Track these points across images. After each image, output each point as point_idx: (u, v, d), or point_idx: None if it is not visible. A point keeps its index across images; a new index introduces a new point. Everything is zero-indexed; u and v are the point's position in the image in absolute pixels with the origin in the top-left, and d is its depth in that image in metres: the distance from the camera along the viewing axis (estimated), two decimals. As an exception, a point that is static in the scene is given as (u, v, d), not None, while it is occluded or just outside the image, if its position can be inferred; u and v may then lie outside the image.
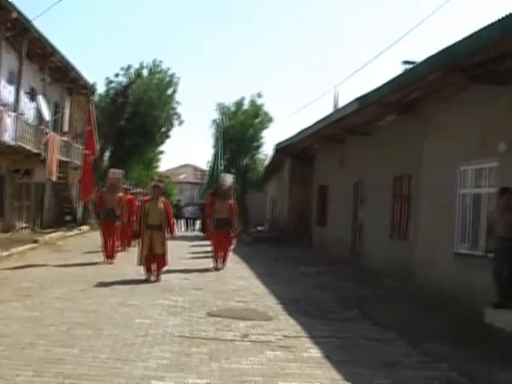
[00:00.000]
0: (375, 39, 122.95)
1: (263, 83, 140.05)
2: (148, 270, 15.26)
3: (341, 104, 26.38)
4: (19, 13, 24.08)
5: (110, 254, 18.83)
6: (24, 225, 29.71)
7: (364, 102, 16.99)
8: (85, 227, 34.03)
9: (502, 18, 9.48)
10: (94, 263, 18.17)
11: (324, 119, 22.23)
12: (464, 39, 10.81)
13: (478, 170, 13.63)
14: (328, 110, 20.73)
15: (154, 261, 15.31)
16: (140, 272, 15.50)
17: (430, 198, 15.74)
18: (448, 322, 11.63)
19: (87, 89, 36.74)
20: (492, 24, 9.82)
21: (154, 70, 50.48)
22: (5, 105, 24.15)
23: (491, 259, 11.61)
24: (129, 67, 48.07)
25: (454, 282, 13.62)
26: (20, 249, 20.38)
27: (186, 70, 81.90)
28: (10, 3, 23.17)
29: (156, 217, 15.38)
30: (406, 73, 13.95)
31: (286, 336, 9.61)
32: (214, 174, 23.09)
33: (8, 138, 23.73)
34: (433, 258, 15.09)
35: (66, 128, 36.55)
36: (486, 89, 12.65)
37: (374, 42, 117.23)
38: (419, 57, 12.24)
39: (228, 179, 20.52)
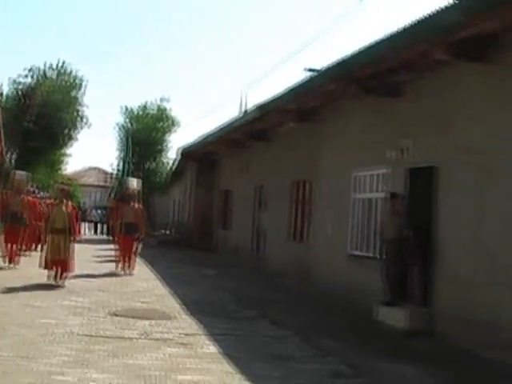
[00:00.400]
0: (282, 46, 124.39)
1: (171, 88, 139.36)
2: (51, 274, 14.90)
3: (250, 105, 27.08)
4: None
5: (13, 258, 17.96)
6: None
7: (265, 109, 17.55)
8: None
9: (390, 36, 10.12)
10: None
11: (227, 125, 22.70)
12: (357, 53, 11.44)
13: (370, 176, 14.33)
14: (236, 114, 21.06)
15: (57, 265, 14.85)
16: (45, 275, 15.07)
17: (325, 202, 16.40)
18: (341, 319, 12.30)
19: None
20: (381, 40, 10.46)
21: (60, 71, 49.83)
22: None
23: (381, 260, 12.31)
24: (32, 68, 47.33)
25: (348, 282, 14.25)
26: None
27: (94, 73, 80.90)
28: None
29: (61, 221, 14.94)
30: (304, 82, 14.51)
31: (185, 334, 9.94)
32: (120, 177, 22.34)
33: None
34: (328, 260, 15.74)
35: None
36: (378, 99, 13.35)
37: (281, 48, 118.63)
38: (324, 63, 12.78)
39: (134, 183, 20.03)
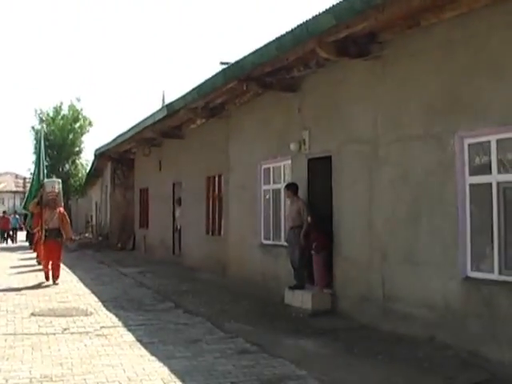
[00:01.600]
0: (197, 39, 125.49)
1: (83, 87, 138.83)
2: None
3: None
4: None
5: None
6: None
7: (172, 107, 18.71)
8: None
9: (278, 37, 11.44)
10: None
11: (138, 124, 23.70)
12: (251, 53, 12.74)
13: (276, 168, 15.64)
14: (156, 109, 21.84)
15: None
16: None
17: (237, 196, 17.66)
18: (253, 305, 13.62)
19: None
20: (271, 41, 11.78)
21: None
22: None
23: (287, 247, 13.67)
24: None
25: (262, 271, 15.57)
26: None
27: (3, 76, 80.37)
28: None
29: None
30: (207, 81, 15.66)
31: (103, 327, 11.09)
32: (37, 181, 21.43)
33: None
34: (243, 250, 17.00)
35: None
36: (278, 94, 14.66)
37: (197, 41, 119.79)
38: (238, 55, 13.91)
39: (55, 185, 19.00)
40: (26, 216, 27.04)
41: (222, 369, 8.29)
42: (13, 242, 44.60)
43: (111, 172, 34.07)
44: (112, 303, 13.69)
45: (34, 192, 20.97)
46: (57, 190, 18.71)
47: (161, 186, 26.29)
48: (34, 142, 51.43)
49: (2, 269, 19.78)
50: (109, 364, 8.48)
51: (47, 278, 17.61)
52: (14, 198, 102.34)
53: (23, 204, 23.64)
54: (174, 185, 24.61)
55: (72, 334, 10.52)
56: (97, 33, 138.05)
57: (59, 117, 52.17)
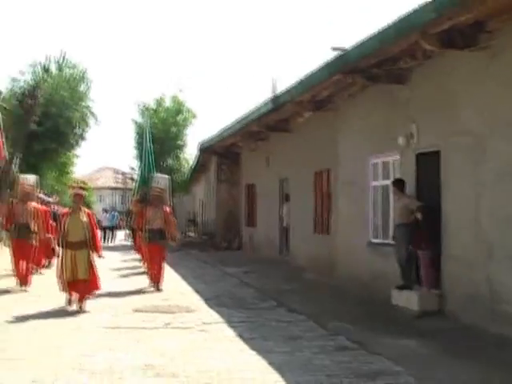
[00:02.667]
0: (307, 24, 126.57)
1: (186, 78, 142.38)
2: (70, 296, 14.13)
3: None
4: None
5: (23, 280, 17.32)
6: None
7: (278, 101, 19.86)
8: (-5, 242, 36.05)
9: (381, 30, 12.38)
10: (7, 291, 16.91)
11: (244, 118, 24.99)
12: (355, 46, 13.72)
13: (385, 163, 16.50)
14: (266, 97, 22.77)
15: (76, 287, 14.01)
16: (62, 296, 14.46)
17: (345, 192, 18.61)
18: (358, 305, 14.64)
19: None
20: (373, 34, 12.73)
21: (64, 64, 52.06)
22: None
23: (394, 246, 14.56)
24: (35, 64, 49.79)
25: (368, 269, 16.50)
26: None
27: (99, 66, 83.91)
28: None
29: (78, 233, 13.99)
30: (311, 74, 16.69)
31: (204, 323, 12.35)
32: (142, 177, 21.67)
33: None
34: (350, 249, 17.94)
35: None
36: (386, 87, 15.54)
37: (306, 27, 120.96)
38: (351, 41, 14.74)
39: (162, 181, 18.82)
40: (129, 213, 28.01)
41: (319, 363, 9.30)
42: (110, 241, 46.73)
43: (216, 167, 35.62)
44: (214, 301, 14.96)
45: (138, 189, 20.97)
46: (162, 187, 18.45)
47: (267, 182, 27.57)
48: (136, 135, 53.59)
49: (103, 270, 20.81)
50: (209, 356, 9.65)
51: (152, 281, 17.61)
52: (113, 194, 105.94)
53: (129, 201, 23.96)
54: (281, 181, 25.78)
55: (174, 328, 11.82)
56: (199, 20, 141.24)
57: (161, 109, 54.07)
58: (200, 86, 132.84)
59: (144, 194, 19.12)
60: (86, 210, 14.87)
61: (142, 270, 20.33)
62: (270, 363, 9.17)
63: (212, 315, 13.19)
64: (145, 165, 21.53)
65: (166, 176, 19.80)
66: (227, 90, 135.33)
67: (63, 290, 14.06)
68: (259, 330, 11.77)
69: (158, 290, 17.17)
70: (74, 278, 13.90)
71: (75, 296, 14.00)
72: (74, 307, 13.86)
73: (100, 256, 14.45)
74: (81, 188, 14.89)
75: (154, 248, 17.73)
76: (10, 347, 10.19)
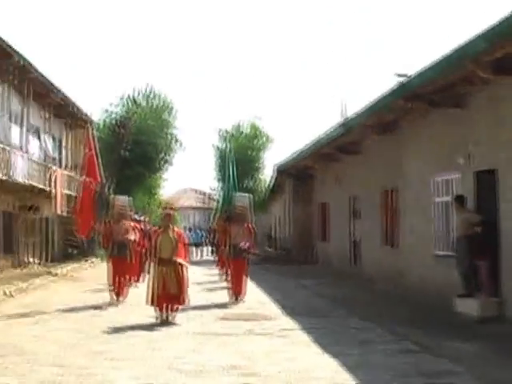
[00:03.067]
0: (370, 50, 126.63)
1: (261, 104, 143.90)
2: (160, 310, 14.21)
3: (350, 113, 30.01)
4: (21, 56, 27.18)
5: (120, 292, 17.68)
6: (34, 260, 32.75)
7: (348, 125, 20.29)
8: (94, 259, 37.28)
9: (436, 62, 12.71)
10: (102, 309, 16.48)
11: (315, 141, 25.51)
12: (413, 77, 14.08)
13: (447, 181, 16.72)
14: (335, 121, 23.13)
15: (167, 301, 14.22)
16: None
17: (411, 208, 18.84)
18: (424, 313, 14.89)
19: (86, 122, 39.89)
20: (430, 66, 13.07)
21: (150, 96, 53.50)
22: (13, 145, 27.35)
23: (456, 257, 14.76)
24: (124, 96, 51.31)
25: (433, 279, 16.72)
26: (42, 281, 23.57)
27: (182, 95, 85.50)
28: (12, 48, 26.27)
29: (169, 250, 14.23)
30: (377, 100, 17.12)
31: (283, 329, 12.79)
32: (226, 197, 21.56)
33: (18, 176, 26.85)
34: (416, 261, 18.17)
35: (68, 162, 40.00)
36: (445, 111, 15.82)
37: (368, 53, 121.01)
38: (415, 66, 15.12)
39: (244, 199, 18.92)
40: (213, 231, 28.43)
41: (386, 364, 9.62)
42: (196, 256, 46.28)
43: (291, 187, 36.18)
44: (292, 310, 15.38)
45: (221, 207, 21.14)
46: (244, 205, 18.46)
47: (339, 200, 27.96)
48: (216, 159, 54.62)
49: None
50: (287, 358, 10.06)
51: (233, 296, 17.52)
52: (196, 213, 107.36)
53: (211, 219, 24.33)
54: (351, 198, 26.13)
55: (256, 335, 12.30)
56: (272, 50, 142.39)
57: (239, 135, 55.16)
58: (275, 111, 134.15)
59: (227, 212, 19.32)
60: (176, 228, 15.14)
61: (225, 284, 20.09)
62: (342, 364, 9.52)
63: (289, 323, 13.61)
64: (228, 185, 21.87)
65: (248, 195, 19.85)
66: (300, 114, 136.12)
67: (151, 303, 14.18)
68: (332, 335, 12.15)
69: (239, 301, 17.25)
70: (166, 291, 14.02)
71: (165, 309, 14.12)
72: (165, 318, 14.01)
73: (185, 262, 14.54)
74: (171, 208, 15.30)
75: (238, 263, 17.72)
76: (112, 350, 10.79)
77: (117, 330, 12.87)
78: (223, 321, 14.08)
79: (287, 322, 13.67)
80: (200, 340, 11.72)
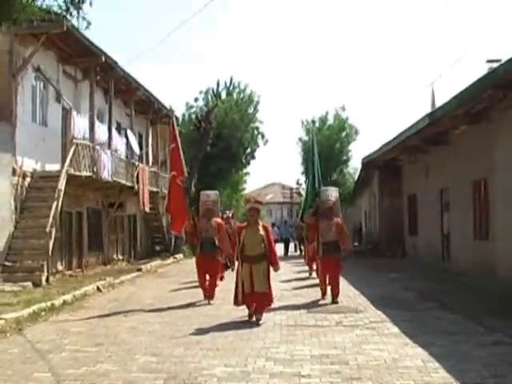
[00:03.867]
0: (463, 35, 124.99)
1: (346, 94, 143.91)
2: (248, 308, 14.00)
3: (438, 101, 30.25)
4: (107, 56, 28.31)
5: (209, 293, 17.32)
6: (120, 257, 34.23)
7: (433, 117, 20.50)
8: (179, 255, 38.37)
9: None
10: (192, 304, 16.97)
11: (402, 133, 25.77)
12: (504, 63, 14.28)
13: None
14: (425, 109, 23.32)
15: (254, 300, 13.86)
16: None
17: (503, 199, 18.99)
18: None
19: (169, 117, 40.95)
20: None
21: (233, 89, 54.34)
22: (101, 143, 28.49)
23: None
24: (207, 90, 52.32)
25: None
26: (128, 276, 24.62)
27: (265, 87, 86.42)
28: (99, 49, 27.43)
29: (255, 246, 13.88)
30: (465, 90, 17.35)
31: (371, 321, 13.26)
32: (312, 190, 19.86)
33: (106, 174, 28.01)
34: (510, 253, 18.29)
35: (151, 158, 41.26)
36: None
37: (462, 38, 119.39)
38: (506, 53, 15.41)
39: (332, 193, 18.25)
40: (300, 227, 28.67)
41: (476, 354, 9.98)
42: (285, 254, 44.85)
43: (379, 180, 36.57)
44: (380, 302, 15.83)
45: (310, 202, 19.85)
46: (333, 199, 17.83)
47: (428, 193, 28.21)
48: (302, 153, 55.14)
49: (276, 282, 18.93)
50: (376, 348, 10.56)
51: (324, 295, 17.24)
52: (282, 208, 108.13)
53: (300, 215, 23.27)
54: (440, 190, 26.32)
55: (344, 326, 12.80)
56: (358, 37, 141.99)
57: (325, 127, 55.58)
58: (361, 102, 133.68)
59: (316, 207, 18.02)
60: (263, 223, 14.55)
61: (313, 281, 20.82)
62: (431, 354, 9.96)
63: (378, 315, 14.07)
64: (314, 178, 20.20)
65: (335, 188, 19.54)
66: (388, 104, 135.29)
67: (238, 303, 14.02)
68: (421, 327, 12.54)
69: (334, 302, 16.45)
70: (252, 290, 13.75)
71: (252, 308, 13.82)
72: (254, 319, 13.69)
73: (276, 270, 14.26)
74: (256, 202, 14.66)
75: (329, 261, 17.02)
76: (205, 341, 11.48)
77: (209, 322, 13.60)
78: (311, 313, 14.64)
79: (376, 314, 14.13)
80: (289, 331, 12.32)
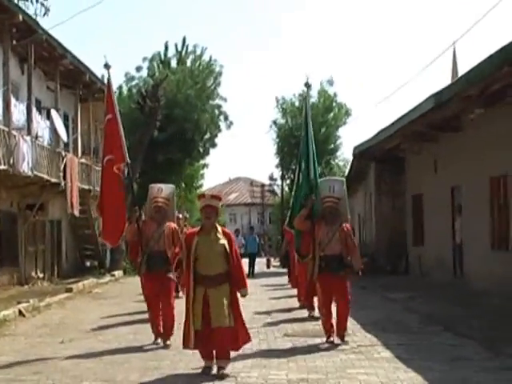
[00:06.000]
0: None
1: (333, 66, 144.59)
2: (205, 356, 12.81)
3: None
4: (26, 14, 29.34)
5: (167, 332, 15.87)
6: (40, 275, 35.32)
7: (439, 99, 22.02)
8: (117, 272, 39.85)
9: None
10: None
11: (403, 116, 27.11)
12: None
13: None
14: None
15: (211, 340, 12.65)
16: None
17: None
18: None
19: (103, 91, 41.53)
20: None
21: (186, 55, 54.65)
22: (18, 128, 29.60)
23: None
24: (153, 57, 52.90)
25: None
26: (55, 298, 26.12)
27: (228, 58, 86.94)
28: (16, 5, 28.54)
29: (213, 262, 12.76)
30: (475, 68, 18.76)
31: (359, 345, 15.02)
32: (306, 183, 16.92)
33: (25, 167, 29.13)
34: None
35: (81, 147, 42.38)
36: None
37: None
38: None
39: (335, 186, 16.47)
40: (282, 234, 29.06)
41: (478, 380, 11.72)
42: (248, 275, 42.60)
43: (375, 175, 37.90)
44: (372, 326, 17.59)
45: (303, 199, 17.27)
46: (338, 195, 16.18)
47: (437, 192, 29.78)
48: (277, 140, 55.73)
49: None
50: (363, 372, 12.33)
51: (328, 333, 15.60)
52: (249, 212, 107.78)
53: (287, 219, 20.62)
54: (452, 189, 28.03)
55: (327, 350, 14.57)
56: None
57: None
58: (353, 75, 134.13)
59: (312, 206, 16.13)
60: (223, 228, 13.43)
61: (305, 313, 20.52)
62: (426, 379, 11.71)
63: (368, 338, 15.83)
64: (308, 164, 17.34)
65: (342, 179, 18.56)
66: (390, 77, 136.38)
67: (189, 345, 12.82)
68: (419, 352, 14.30)
69: (343, 341, 15.46)
70: (207, 327, 12.57)
71: (212, 353, 12.69)
72: (214, 370, 12.58)
73: (244, 294, 13.14)
74: (213, 197, 13.39)
75: (330, 282, 15.54)
76: (164, 365, 13.14)
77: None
78: (289, 337, 16.43)
79: (366, 338, 15.88)
80: (263, 355, 14.09)
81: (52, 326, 19.64)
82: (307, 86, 17.82)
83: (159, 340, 15.86)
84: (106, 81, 17.79)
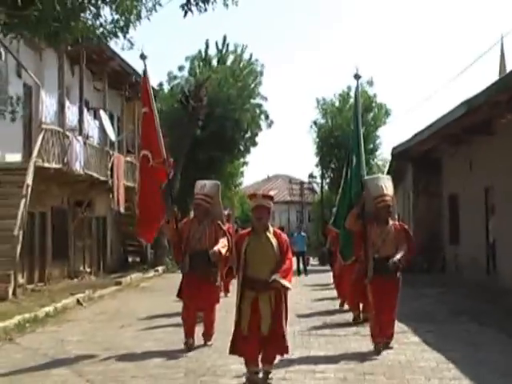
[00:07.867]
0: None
1: (373, 67, 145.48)
2: (250, 362, 12.35)
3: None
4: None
5: (207, 332, 15.99)
6: (88, 269, 37.32)
7: (471, 104, 23.78)
8: (160, 267, 42.03)
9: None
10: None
11: (438, 121, 28.82)
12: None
13: None
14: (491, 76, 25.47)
15: (260, 346, 12.35)
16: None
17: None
18: None
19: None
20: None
21: (227, 54, 55.94)
22: (72, 129, 31.76)
23: None
24: (194, 57, 54.22)
25: None
26: (107, 290, 28.67)
27: (270, 58, 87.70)
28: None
29: (265, 266, 12.26)
30: (507, 75, 20.48)
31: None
32: (356, 180, 16.28)
33: (78, 166, 31.16)
34: None
35: (126, 146, 44.19)
36: None
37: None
38: None
39: (386, 183, 15.82)
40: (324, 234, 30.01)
41: (495, 360, 13.73)
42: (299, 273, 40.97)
43: (413, 175, 39.32)
44: (404, 316, 19.00)
45: (354, 197, 16.43)
46: (390, 193, 15.59)
47: (471, 192, 31.32)
48: (317, 139, 56.76)
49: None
50: (393, 353, 14.56)
51: (377, 338, 15.02)
52: (288, 209, 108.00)
53: (332, 218, 20.47)
54: (485, 190, 29.60)
55: (362, 336, 16.69)
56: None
57: (347, 106, 56.64)
58: (393, 75, 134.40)
59: (362, 206, 15.61)
60: (274, 229, 12.92)
61: (347, 316, 20.41)
62: (447, 358, 13.78)
63: (400, 327, 17.52)
64: (359, 160, 16.70)
65: (388, 177, 17.95)
66: (431, 77, 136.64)
67: (236, 351, 12.52)
68: (444, 337, 16.41)
69: (388, 347, 15.07)
70: (255, 332, 12.24)
71: (259, 358, 12.35)
72: (259, 376, 12.38)
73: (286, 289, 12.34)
74: (265, 197, 12.75)
75: (384, 285, 15.03)
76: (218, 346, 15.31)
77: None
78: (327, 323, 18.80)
79: (397, 327, 17.08)
80: (303, 339, 16.32)
81: (109, 314, 22.02)
82: (357, 77, 17.30)
83: (191, 340, 15.40)
84: (145, 72, 17.43)
